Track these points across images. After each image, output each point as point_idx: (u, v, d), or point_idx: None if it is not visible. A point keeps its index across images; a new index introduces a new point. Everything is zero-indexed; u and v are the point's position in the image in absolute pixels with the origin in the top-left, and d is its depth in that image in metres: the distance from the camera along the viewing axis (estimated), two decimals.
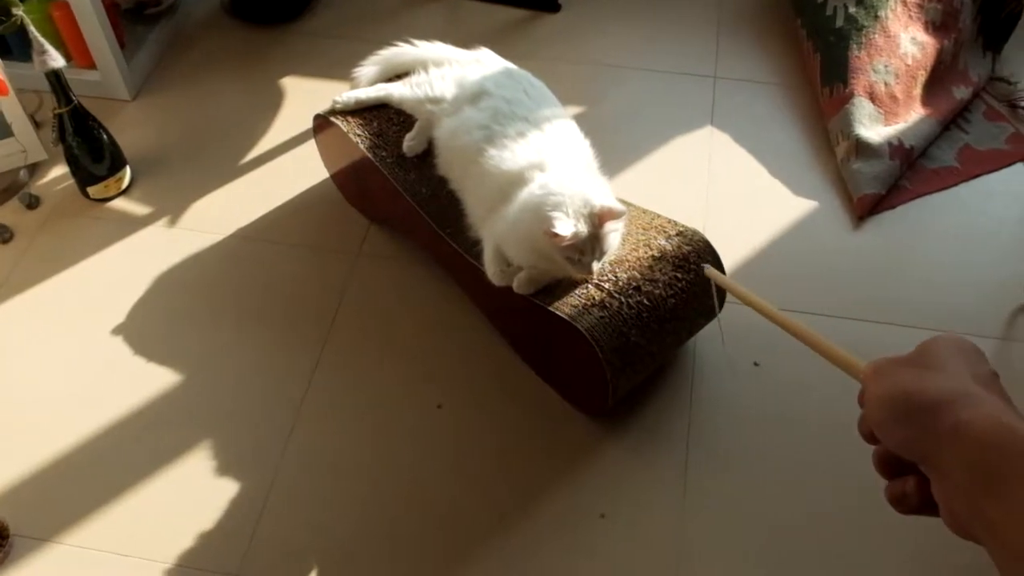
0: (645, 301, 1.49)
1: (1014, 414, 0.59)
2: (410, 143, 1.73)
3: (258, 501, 1.51)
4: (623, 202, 1.64)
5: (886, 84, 2.03)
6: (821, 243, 1.88)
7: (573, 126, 1.64)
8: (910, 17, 2.10)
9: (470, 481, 1.54)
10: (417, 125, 1.74)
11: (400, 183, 1.70)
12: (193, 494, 1.52)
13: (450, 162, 1.66)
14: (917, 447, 0.61)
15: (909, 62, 2.06)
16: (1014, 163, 2.03)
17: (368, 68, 1.86)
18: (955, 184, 1.99)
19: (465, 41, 1.89)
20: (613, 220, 1.41)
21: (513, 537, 1.48)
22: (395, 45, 1.85)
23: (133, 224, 1.93)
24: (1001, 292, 1.79)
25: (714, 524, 1.49)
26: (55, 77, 1.76)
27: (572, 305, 1.48)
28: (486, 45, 1.84)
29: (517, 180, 1.49)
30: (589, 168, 1.58)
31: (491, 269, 1.55)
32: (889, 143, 1.96)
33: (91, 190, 1.94)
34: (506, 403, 1.64)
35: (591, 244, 1.41)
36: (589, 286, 1.50)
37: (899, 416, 0.62)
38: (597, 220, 1.40)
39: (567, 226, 1.36)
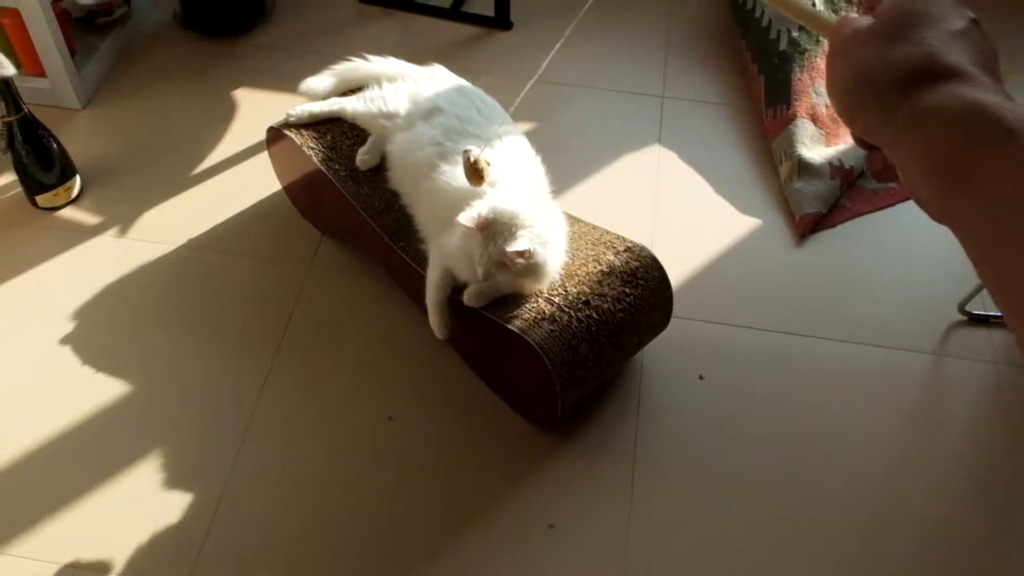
0: (594, 315, 1.53)
1: (986, 81, 0.51)
2: (363, 157, 1.75)
3: (208, 511, 1.51)
4: (571, 218, 1.67)
5: (827, 106, 2.10)
6: (764, 260, 1.94)
7: (525, 143, 1.67)
8: None
9: (420, 493, 1.56)
10: (370, 139, 1.76)
11: (353, 196, 1.72)
12: (141, 504, 1.52)
13: (402, 177, 1.68)
14: (878, 135, 0.55)
15: None
16: None
17: (319, 79, 1.87)
18: (893, 204, 2.05)
19: (418, 57, 1.92)
20: (518, 257, 1.42)
21: (462, 548, 1.49)
22: (349, 60, 1.87)
23: (82, 233, 1.92)
24: (936, 308, 1.86)
25: (661, 533, 1.52)
26: (5, 85, 1.75)
27: (523, 318, 1.50)
28: (439, 61, 1.87)
29: (469, 196, 1.51)
30: (539, 185, 1.62)
31: (431, 294, 1.57)
32: (830, 163, 2.02)
33: (40, 199, 1.93)
34: (456, 415, 1.66)
35: (487, 252, 1.44)
36: (539, 300, 1.53)
37: (856, 103, 0.56)
38: (502, 238, 1.43)
39: (471, 218, 1.41)
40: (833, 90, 0.57)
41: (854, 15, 0.59)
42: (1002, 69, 1.94)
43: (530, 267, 1.46)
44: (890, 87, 0.53)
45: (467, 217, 1.41)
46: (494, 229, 1.42)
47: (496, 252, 1.42)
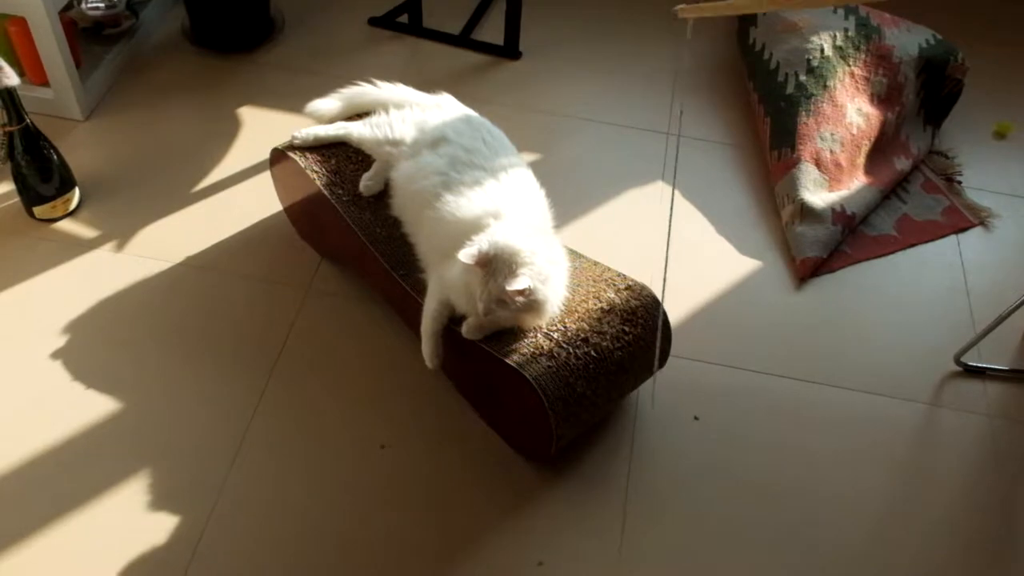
0: (592, 353, 1.52)
1: None
2: (367, 183, 1.74)
3: (193, 536, 1.49)
4: (573, 253, 1.67)
5: (831, 151, 2.10)
6: (763, 302, 1.93)
7: (530, 175, 1.66)
8: (857, 89, 2.18)
9: (409, 523, 1.54)
10: (375, 165, 1.75)
11: (355, 222, 1.71)
12: (127, 525, 1.50)
13: (405, 205, 1.68)
14: None
15: (854, 132, 2.13)
16: (948, 234, 2.11)
17: (325, 101, 1.87)
18: (892, 252, 2.06)
19: (425, 82, 1.91)
20: (517, 294, 1.42)
21: None
22: (357, 84, 1.87)
23: (79, 247, 1.90)
24: (932, 358, 1.85)
25: (650, 574, 1.51)
26: (8, 95, 1.74)
27: (521, 353, 1.49)
28: (446, 88, 1.86)
29: (472, 227, 1.51)
30: (543, 218, 1.61)
31: (427, 324, 1.57)
32: (832, 209, 2.02)
33: (37, 210, 1.91)
34: (449, 446, 1.64)
35: (487, 289, 1.43)
36: (538, 335, 1.52)
37: None
38: (502, 276, 1.42)
39: (471, 255, 1.41)
40: None
41: None
42: (1003, 125, 1.95)
43: (530, 304, 1.45)
44: None
45: (467, 254, 1.41)
46: (494, 265, 1.42)
47: (496, 289, 1.41)
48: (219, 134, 2.18)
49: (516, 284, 1.40)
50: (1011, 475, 1.68)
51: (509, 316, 1.49)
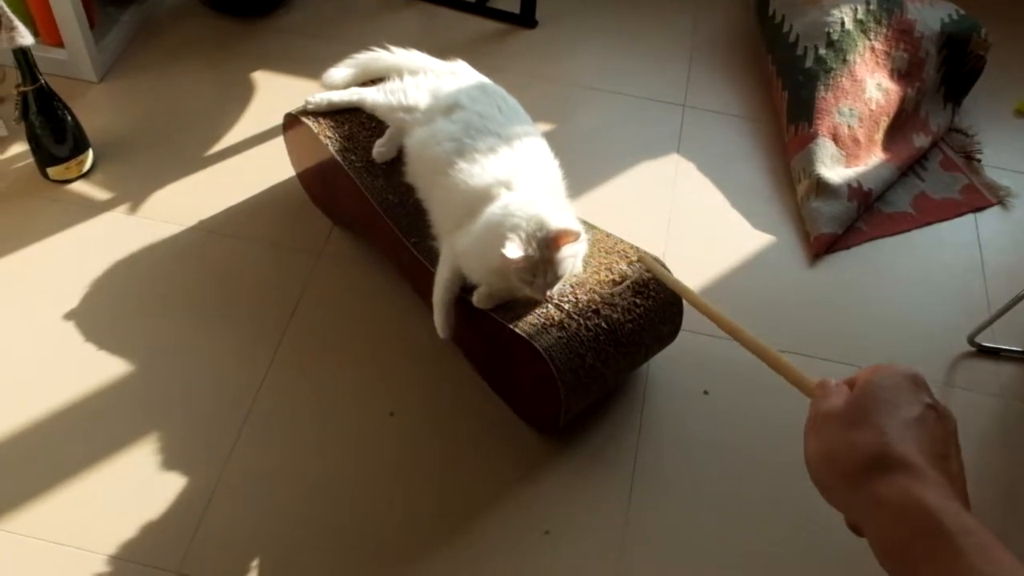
0: (603, 324, 1.51)
1: (931, 476, 0.60)
2: (380, 149, 1.73)
3: (203, 498, 1.50)
4: (586, 224, 1.65)
5: (849, 127, 2.08)
6: (776, 278, 1.92)
7: (543, 144, 1.65)
8: (877, 63, 2.15)
9: (417, 491, 1.55)
10: (388, 132, 1.74)
11: (367, 188, 1.70)
12: (137, 486, 1.51)
13: (418, 171, 1.67)
14: (846, 511, 0.65)
15: (873, 107, 2.11)
16: (965, 213, 2.09)
17: (341, 70, 1.86)
18: (909, 230, 2.04)
19: (439, 49, 1.90)
20: (569, 244, 1.40)
21: (458, 549, 1.48)
22: (371, 50, 1.85)
23: (92, 209, 1.90)
24: (946, 338, 1.84)
25: (656, 546, 1.51)
26: (23, 55, 1.73)
27: (531, 323, 1.49)
28: (460, 55, 1.85)
29: (484, 196, 1.49)
30: (556, 188, 1.60)
31: (439, 293, 1.56)
32: (848, 184, 2.00)
33: (51, 171, 1.91)
34: (458, 415, 1.65)
35: (543, 268, 1.40)
36: (549, 306, 1.51)
37: (824, 479, 0.66)
38: (552, 244, 1.39)
39: (516, 249, 1.35)
40: (807, 464, 0.68)
41: (833, 381, 0.70)
42: (1016, 104, 1.91)
43: (576, 252, 1.44)
44: (850, 470, 0.62)
45: (514, 249, 1.34)
46: (536, 244, 1.38)
47: (553, 258, 1.39)
48: (233, 98, 2.17)
49: (568, 229, 1.38)
50: (1022, 456, 1.67)
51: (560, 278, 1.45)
